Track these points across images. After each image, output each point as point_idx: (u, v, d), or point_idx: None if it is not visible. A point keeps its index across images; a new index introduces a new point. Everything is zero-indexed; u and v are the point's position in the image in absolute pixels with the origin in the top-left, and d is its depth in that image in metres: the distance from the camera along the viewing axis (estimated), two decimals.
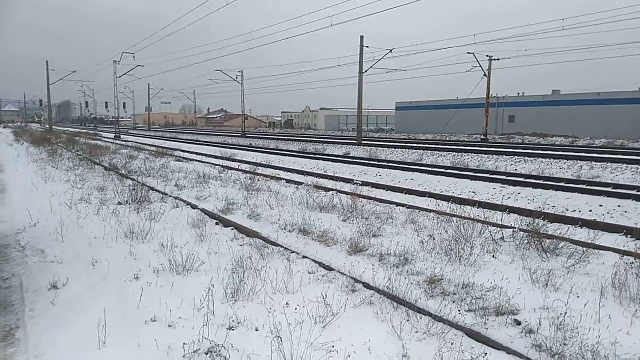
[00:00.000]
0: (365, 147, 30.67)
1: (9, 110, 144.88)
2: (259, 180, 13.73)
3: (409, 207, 9.75)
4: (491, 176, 15.35)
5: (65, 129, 75.84)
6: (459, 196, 11.56)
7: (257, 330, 4.21)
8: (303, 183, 13.40)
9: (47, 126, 64.05)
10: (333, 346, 3.87)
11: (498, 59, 38.44)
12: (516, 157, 22.30)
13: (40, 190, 11.92)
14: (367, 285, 5.19)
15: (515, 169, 17.89)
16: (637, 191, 11.83)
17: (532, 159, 21.42)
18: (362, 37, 33.54)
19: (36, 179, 13.71)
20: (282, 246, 6.77)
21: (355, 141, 35.42)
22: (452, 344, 3.91)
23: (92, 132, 63.91)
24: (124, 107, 74.90)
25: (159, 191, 11.81)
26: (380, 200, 10.56)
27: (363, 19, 26.18)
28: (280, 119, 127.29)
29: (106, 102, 78.01)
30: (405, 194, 12.36)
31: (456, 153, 24.47)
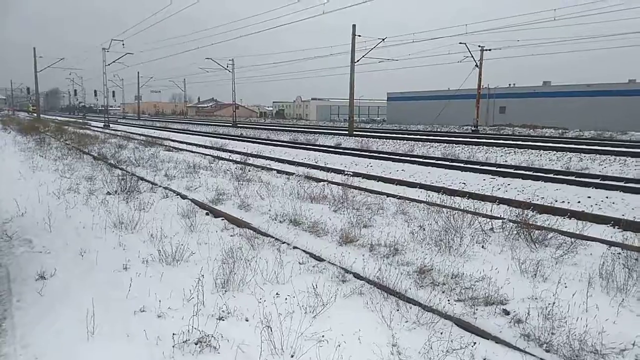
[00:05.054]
0: (356, 137, 30.64)
1: None
2: (249, 171, 13.67)
3: (400, 198, 9.76)
4: (481, 167, 15.42)
5: (54, 117, 74.84)
6: (450, 187, 11.60)
7: (247, 320, 4.21)
8: (294, 174, 13.37)
9: (35, 115, 63.13)
10: (323, 336, 3.88)
11: (490, 50, 38.48)
12: (506, 148, 22.42)
13: (28, 179, 11.77)
14: (357, 276, 5.21)
15: (506, 161, 17.99)
16: (624, 183, 11.96)
17: (522, 150, 21.55)
18: (354, 26, 33.38)
19: (24, 168, 13.54)
20: (272, 237, 6.76)
21: (346, 132, 35.36)
22: (441, 333, 3.94)
23: (81, 121, 63.19)
24: (114, 95, 74.00)
25: (148, 181, 11.73)
26: (371, 191, 10.57)
27: (355, 7, 26.03)
28: (271, 109, 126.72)
29: (95, 91, 76.95)
30: (396, 185, 12.38)
31: (447, 144, 24.54)
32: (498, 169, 14.90)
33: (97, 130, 39.25)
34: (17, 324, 4.14)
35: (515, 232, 6.78)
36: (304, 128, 45.96)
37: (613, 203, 9.98)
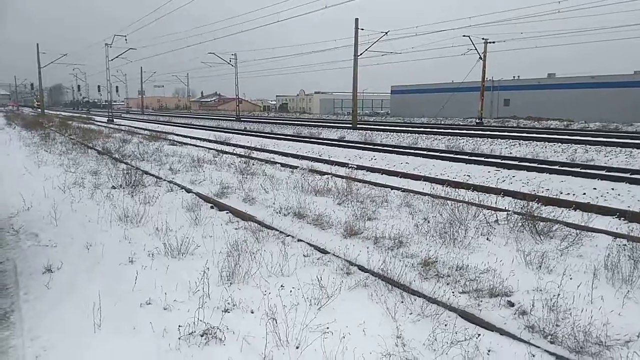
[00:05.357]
0: (360, 131, 30.58)
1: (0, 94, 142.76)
2: (253, 164, 13.69)
3: (404, 190, 9.75)
4: (486, 160, 15.37)
5: (58, 113, 75.04)
6: (454, 180, 11.56)
7: (252, 312, 4.23)
8: (298, 167, 13.37)
9: (39, 110, 63.28)
10: (328, 328, 3.89)
11: (494, 42, 38.21)
12: (511, 140, 22.32)
13: (33, 174, 11.84)
14: (362, 268, 5.22)
15: (510, 153, 17.92)
16: (630, 174, 11.90)
17: (526, 142, 21.45)
18: (357, 19, 33.19)
19: (29, 163, 13.60)
20: (277, 230, 6.77)
21: (350, 125, 35.29)
22: (446, 325, 3.94)
23: (85, 116, 63.27)
24: (117, 90, 74.13)
25: (153, 175, 11.76)
26: (375, 184, 10.56)
27: (358, 1, 25.86)
28: (275, 102, 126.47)
29: (99, 86, 77.09)
30: (400, 177, 12.36)
31: (451, 137, 24.46)
32: (503, 161, 14.85)
33: (101, 125, 39.32)
34: (24, 317, 4.17)
35: (520, 224, 6.77)
36: (308, 121, 45.90)
37: (619, 194, 9.94)
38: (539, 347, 3.62)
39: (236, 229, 7.04)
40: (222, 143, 22.63)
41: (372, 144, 21.56)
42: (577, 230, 6.43)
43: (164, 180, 11.11)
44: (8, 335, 3.88)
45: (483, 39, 38.33)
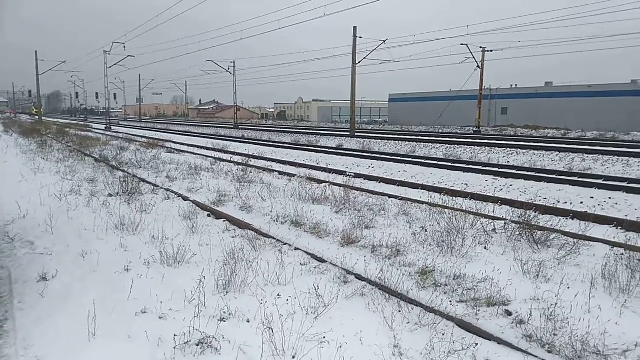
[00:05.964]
0: (358, 139, 30.65)
1: None
2: (251, 172, 13.68)
3: (402, 199, 9.74)
4: (484, 168, 15.39)
5: (56, 120, 75.05)
6: (452, 188, 11.57)
7: (248, 321, 4.20)
8: (296, 175, 13.37)
9: (37, 117, 63.28)
10: (325, 337, 3.86)
11: (491, 51, 38.52)
12: (509, 149, 22.39)
13: (29, 181, 11.79)
14: (359, 277, 5.20)
15: (508, 161, 17.96)
16: (627, 183, 11.92)
17: (524, 151, 21.51)
18: (355, 28, 33.41)
19: (25, 171, 13.56)
20: (274, 238, 6.75)
21: (348, 133, 35.38)
22: (443, 334, 3.92)
23: (82, 123, 63.31)
24: (115, 98, 74.42)
25: (150, 183, 11.73)
26: (373, 192, 10.56)
27: (357, 9, 26.02)
28: (273, 110, 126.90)
29: (97, 93, 77.17)
30: (398, 186, 12.36)
31: (449, 145, 24.52)
32: (500, 170, 14.87)
33: (98, 133, 39.31)
34: (18, 326, 4.14)
35: (517, 233, 6.76)
36: (306, 129, 46.00)
37: (616, 204, 9.95)
38: (536, 356, 3.60)
39: (233, 237, 7.02)
40: (219, 151, 22.63)
41: (370, 152, 21.59)
42: (575, 240, 6.43)
43: (161, 188, 11.09)
44: (1, 344, 3.84)
45: (481, 47, 38.64)
